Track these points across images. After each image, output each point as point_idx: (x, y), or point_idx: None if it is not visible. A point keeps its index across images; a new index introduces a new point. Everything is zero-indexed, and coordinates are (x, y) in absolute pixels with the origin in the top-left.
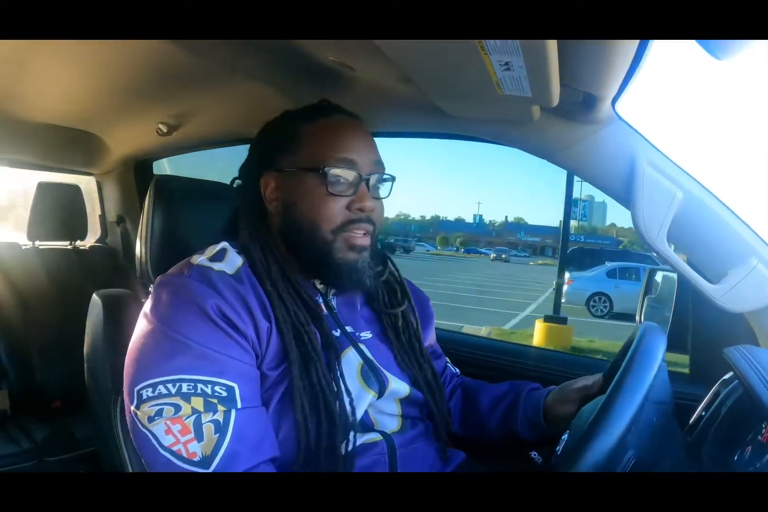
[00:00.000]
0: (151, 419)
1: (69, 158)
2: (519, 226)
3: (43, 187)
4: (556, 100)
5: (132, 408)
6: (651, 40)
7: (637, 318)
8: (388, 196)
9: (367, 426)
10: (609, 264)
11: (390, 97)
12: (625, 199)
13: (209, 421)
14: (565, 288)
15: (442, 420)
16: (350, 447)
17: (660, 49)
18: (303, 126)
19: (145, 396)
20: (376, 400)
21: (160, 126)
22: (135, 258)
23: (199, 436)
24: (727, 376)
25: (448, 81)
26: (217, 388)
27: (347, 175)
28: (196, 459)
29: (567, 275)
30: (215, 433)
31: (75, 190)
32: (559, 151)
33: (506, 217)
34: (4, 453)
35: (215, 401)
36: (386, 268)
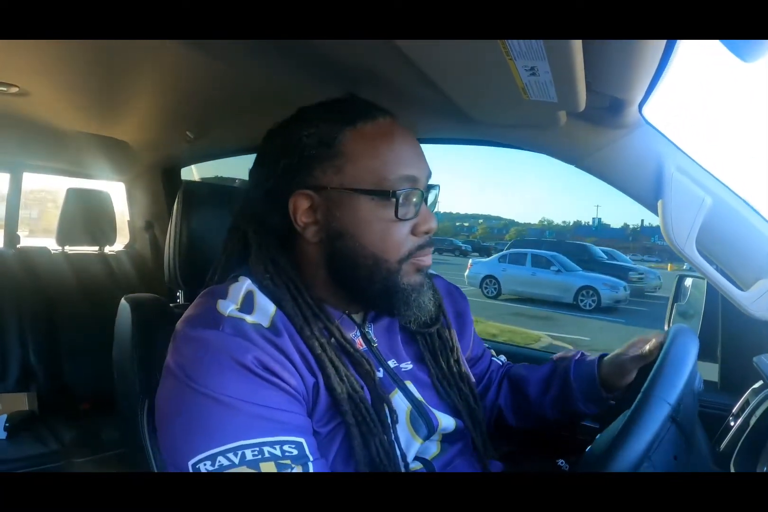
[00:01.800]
0: None
1: (98, 165)
2: (654, 229)
3: (72, 193)
4: (582, 104)
5: None
6: (677, 43)
7: (666, 326)
8: (436, 207)
9: None
10: (508, 251)
11: (415, 102)
12: (653, 204)
13: None
14: (466, 272)
15: (481, 440)
16: None
17: (686, 52)
18: (342, 132)
19: (204, 471)
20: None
21: (188, 133)
22: (164, 263)
23: None
24: (756, 385)
25: (473, 86)
26: (286, 447)
27: (413, 195)
28: None
29: (470, 261)
30: None
31: (104, 196)
32: (585, 156)
33: (642, 220)
34: (32, 454)
35: (288, 461)
36: None
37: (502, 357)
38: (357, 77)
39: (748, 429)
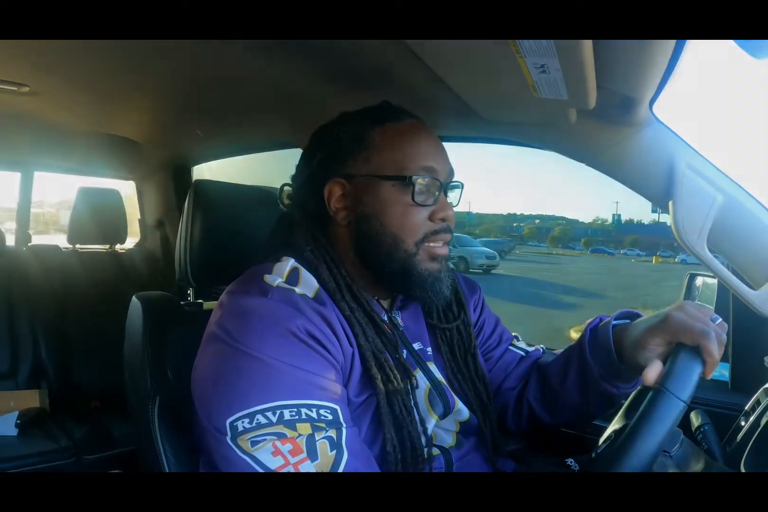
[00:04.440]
0: (254, 443)
1: (110, 164)
2: None
3: (83, 192)
4: (592, 102)
5: (227, 439)
6: (688, 40)
7: None
8: (458, 203)
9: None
10: None
11: (424, 100)
12: (664, 202)
13: (323, 438)
14: None
15: (492, 437)
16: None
17: (697, 49)
18: (373, 130)
19: (241, 428)
20: (437, 422)
21: (198, 131)
22: (175, 261)
23: (313, 455)
24: None
25: (483, 84)
26: (322, 411)
27: (430, 183)
28: None
29: None
30: (331, 450)
31: (115, 195)
32: (596, 154)
33: None
34: (43, 450)
35: (323, 425)
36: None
37: (534, 348)
38: (369, 76)
39: (759, 429)
